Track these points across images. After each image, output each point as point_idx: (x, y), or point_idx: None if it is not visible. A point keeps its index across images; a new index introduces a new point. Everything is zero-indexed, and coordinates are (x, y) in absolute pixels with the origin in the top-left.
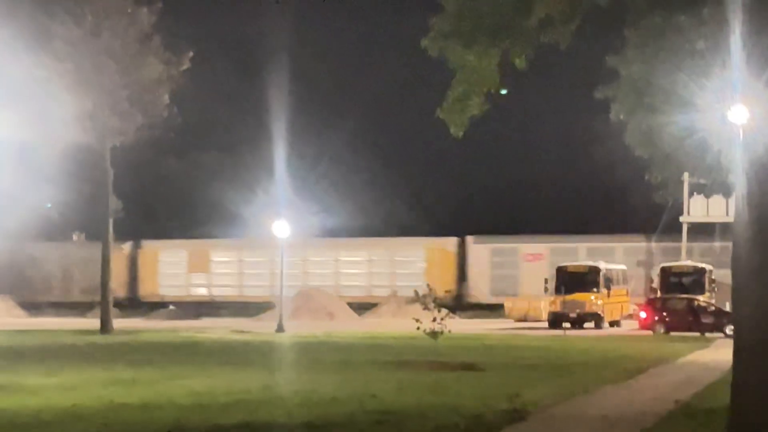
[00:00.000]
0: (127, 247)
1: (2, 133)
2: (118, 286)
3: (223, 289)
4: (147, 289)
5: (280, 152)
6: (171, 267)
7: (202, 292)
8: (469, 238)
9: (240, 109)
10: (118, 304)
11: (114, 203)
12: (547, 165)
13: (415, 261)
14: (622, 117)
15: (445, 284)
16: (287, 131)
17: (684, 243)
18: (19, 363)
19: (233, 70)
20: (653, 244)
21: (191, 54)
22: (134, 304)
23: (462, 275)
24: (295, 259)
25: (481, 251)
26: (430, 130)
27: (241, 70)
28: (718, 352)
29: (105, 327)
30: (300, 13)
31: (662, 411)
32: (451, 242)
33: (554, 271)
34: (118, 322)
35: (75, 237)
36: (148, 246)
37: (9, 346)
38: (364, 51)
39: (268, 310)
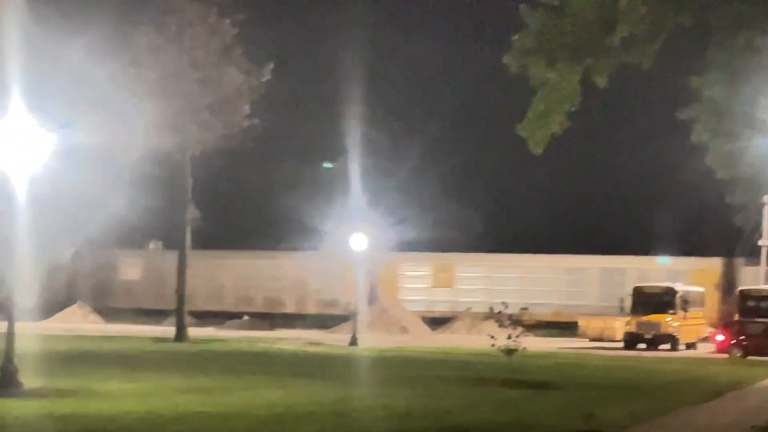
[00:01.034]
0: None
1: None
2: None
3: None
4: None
5: (356, 164)
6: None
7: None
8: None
9: (317, 120)
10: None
11: (192, 212)
12: (626, 184)
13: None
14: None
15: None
16: (364, 143)
17: (763, 266)
18: (95, 369)
19: (312, 82)
20: (732, 267)
21: (272, 65)
22: (212, 314)
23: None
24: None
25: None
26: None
27: (320, 82)
28: None
29: (180, 335)
30: (379, 25)
31: None
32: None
33: (631, 291)
34: (193, 331)
35: (152, 245)
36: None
37: (86, 352)
38: (443, 65)
39: (342, 323)
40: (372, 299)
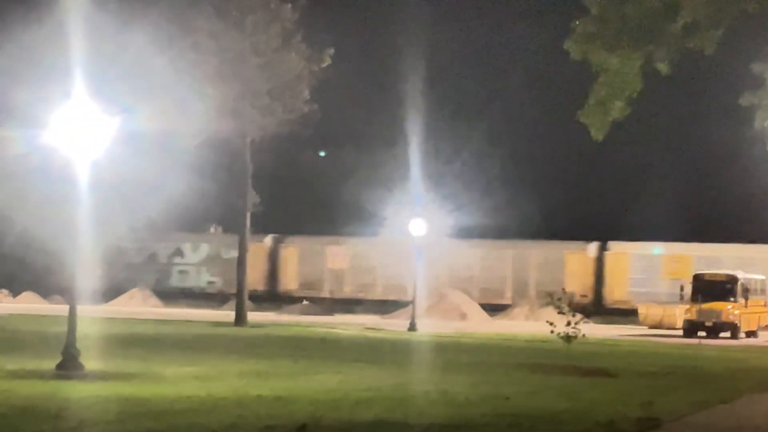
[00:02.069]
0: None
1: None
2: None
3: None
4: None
5: (415, 150)
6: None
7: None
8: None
9: (377, 106)
10: (256, 297)
11: (252, 197)
12: (689, 172)
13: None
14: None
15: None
16: (423, 129)
17: None
18: (155, 352)
19: (371, 68)
20: None
21: (332, 51)
22: (272, 298)
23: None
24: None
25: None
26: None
27: (379, 68)
28: None
29: (239, 319)
30: (439, 10)
31: None
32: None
33: (691, 279)
34: (252, 315)
35: (212, 229)
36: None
37: (145, 336)
38: (503, 50)
39: (401, 309)
40: None
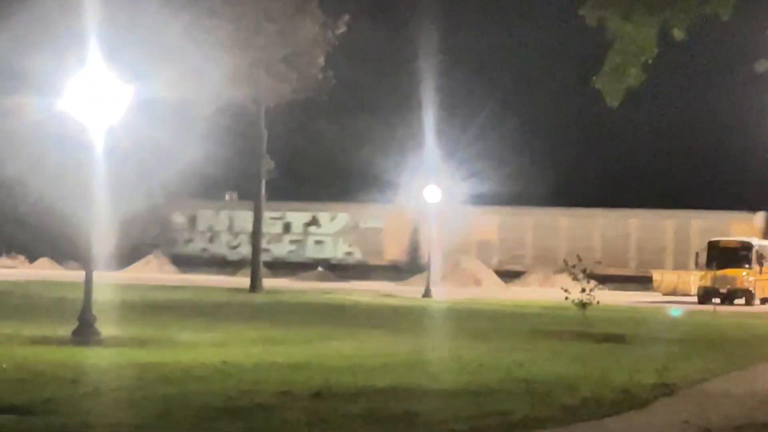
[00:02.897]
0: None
1: (159, 91)
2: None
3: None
4: None
5: (430, 117)
6: None
7: None
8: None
9: (391, 73)
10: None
11: (267, 164)
12: (703, 139)
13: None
14: None
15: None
16: (437, 96)
17: None
18: (170, 318)
19: (386, 35)
20: None
21: (347, 17)
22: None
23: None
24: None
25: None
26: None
27: (394, 35)
28: None
29: (254, 286)
30: None
31: None
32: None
33: (706, 246)
34: (267, 282)
35: (227, 196)
36: None
37: (161, 302)
38: (517, 16)
39: (416, 275)
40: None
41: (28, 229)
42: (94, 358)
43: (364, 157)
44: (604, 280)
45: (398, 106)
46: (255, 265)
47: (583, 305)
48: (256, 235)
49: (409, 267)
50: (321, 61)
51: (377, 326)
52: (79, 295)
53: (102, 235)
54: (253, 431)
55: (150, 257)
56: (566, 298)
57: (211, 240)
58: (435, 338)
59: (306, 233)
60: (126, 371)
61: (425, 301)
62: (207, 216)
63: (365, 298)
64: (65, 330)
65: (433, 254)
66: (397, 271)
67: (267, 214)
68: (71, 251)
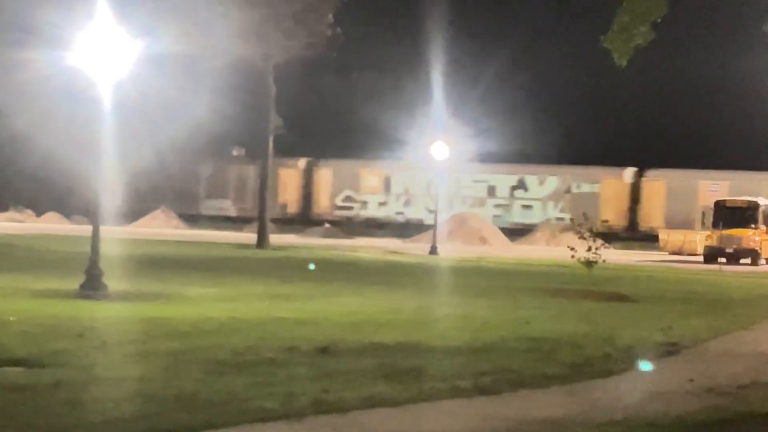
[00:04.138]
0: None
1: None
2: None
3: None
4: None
5: (438, 74)
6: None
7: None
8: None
9: (399, 30)
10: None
11: (275, 120)
12: (711, 98)
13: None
14: None
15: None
16: (445, 54)
17: None
18: (177, 274)
19: None
20: None
21: None
22: (306, 221)
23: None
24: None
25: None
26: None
27: None
28: None
29: (261, 242)
30: None
31: None
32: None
33: (713, 205)
34: (275, 238)
35: (235, 152)
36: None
37: (168, 257)
38: None
39: (423, 232)
40: None
41: (36, 183)
42: (101, 312)
43: (371, 114)
44: (611, 238)
45: (407, 63)
46: (262, 221)
47: (589, 264)
48: (262, 191)
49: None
50: (330, 17)
51: (383, 283)
52: (86, 249)
53: (110, 189)
54: (259, 386)
55: (158, 212)
56: (572, 256)
57: (541, 208)
58: (440, 295)
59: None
60: (133, 325)
61: (431, 258)
62: (539, 182)
63: (371, 255)
64: (72, 284)
65: (441, 211)
66: (407, 229)
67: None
68: (79, 206)
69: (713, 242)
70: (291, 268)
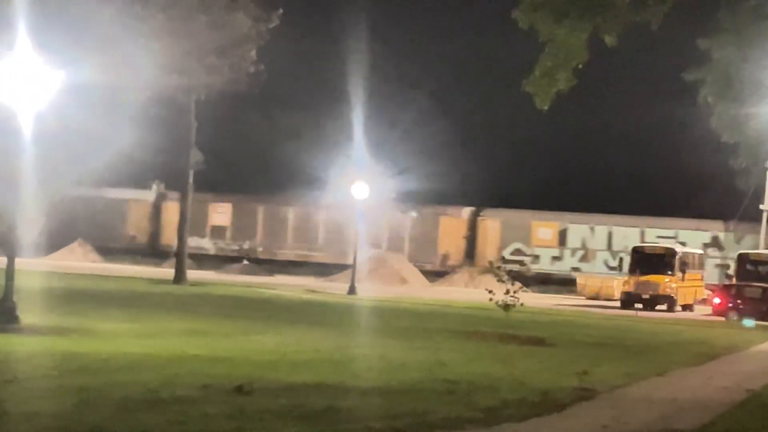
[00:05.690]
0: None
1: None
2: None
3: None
4: None
5: (359, 113)
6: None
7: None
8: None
9: (323, 68)
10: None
11: (196, 155)
12: (630, 145)
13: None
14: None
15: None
16: (367, 92)
17: (763, 231)
18: (93, 308)
19: (317, 30)
20: (731, 230)
21: (280, 11)
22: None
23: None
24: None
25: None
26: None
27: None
28: None
29: (179, 277)
30: None
31: (734, 399)
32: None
33: (630, 251)
34: (192, 274)
35: (155, 186)
36: None
37: (84, 291)
38: (449, 17)
39: (342, 272)
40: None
41: None
42: (13, 345)
43: (292, 152)
44: (529, 281)
45: (328, 102)
46: (180, 256)
47: (506, 307)
48: (182, 225)
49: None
50: (253, 54)
51: (301, 321)
52: (1, 281)
53: (27, 221)
54: (173, 424)
55: (75, 245)
56: (490, 299)
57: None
58: (358, 335)
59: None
60: (45, 360)
61: (350, 298)
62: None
63: (290, 293)
64: None
65: (360, 251)
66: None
67: None
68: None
69: (630, 288)
70: (208, 304)
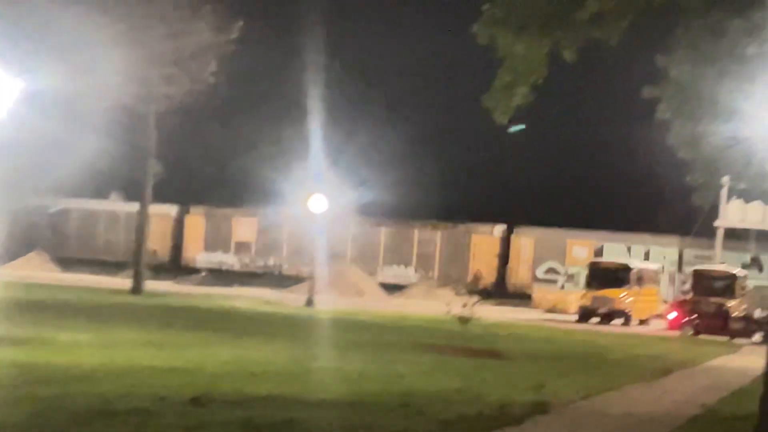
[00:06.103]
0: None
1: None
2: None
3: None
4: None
5: (317, 125)
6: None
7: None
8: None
9: (281, 81)
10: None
11: (155, 166)
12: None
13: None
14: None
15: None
16: (325, 104)
17: (718, 247)
18: (49, 318)
19: (276, 43)
20: (686, 247)
21: (240, 23)
22: (176, 268)
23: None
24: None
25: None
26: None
27: (284, 43)
28: (745, 359)
29: (136, 288)
30: None
31: (688, 413)
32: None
33: (587, 266)
34: (150, 284)
35: (113, 196)
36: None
37: (41, 301)
38: (409, 29)
39: (299, 284)
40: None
41: None
42: None
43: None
44: (487, 295)
45: (286, 113)
46: (138, 267)
47: (463, 320)
48: (139, 236)
49: (295, 276)
50: (213, 65)
51: (258, 333)
52: None
53: None
54: None
55: (32, 255)
56: (447, 312)
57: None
58: (314, 348)
59: None
60: (0, 370)
61: (307, 310)
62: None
63: (247, 305)
64: None
65: (317, 263)
66: (284, 280)
67: None
68: None
69: (587, 302)
70: (166, 315)
